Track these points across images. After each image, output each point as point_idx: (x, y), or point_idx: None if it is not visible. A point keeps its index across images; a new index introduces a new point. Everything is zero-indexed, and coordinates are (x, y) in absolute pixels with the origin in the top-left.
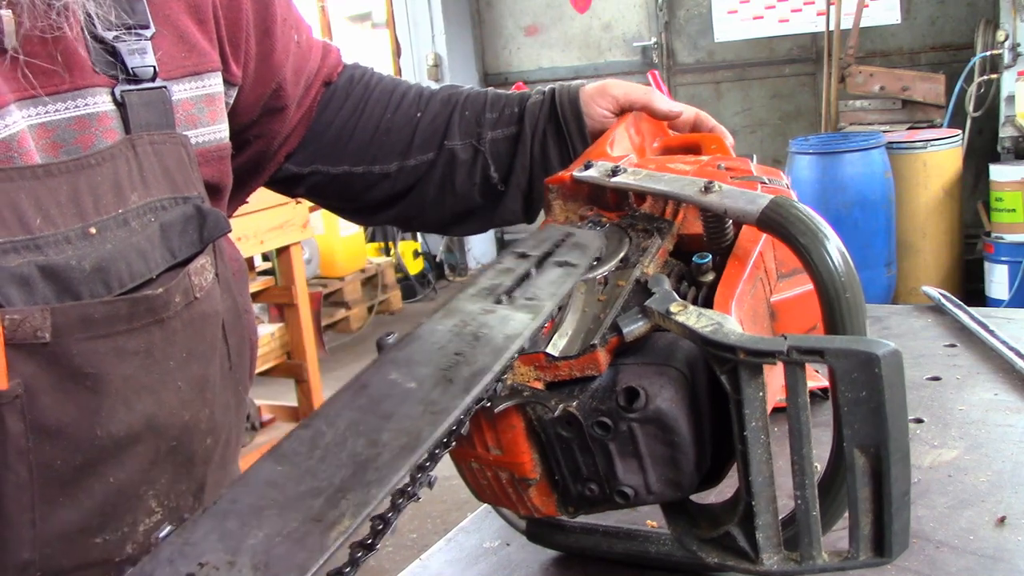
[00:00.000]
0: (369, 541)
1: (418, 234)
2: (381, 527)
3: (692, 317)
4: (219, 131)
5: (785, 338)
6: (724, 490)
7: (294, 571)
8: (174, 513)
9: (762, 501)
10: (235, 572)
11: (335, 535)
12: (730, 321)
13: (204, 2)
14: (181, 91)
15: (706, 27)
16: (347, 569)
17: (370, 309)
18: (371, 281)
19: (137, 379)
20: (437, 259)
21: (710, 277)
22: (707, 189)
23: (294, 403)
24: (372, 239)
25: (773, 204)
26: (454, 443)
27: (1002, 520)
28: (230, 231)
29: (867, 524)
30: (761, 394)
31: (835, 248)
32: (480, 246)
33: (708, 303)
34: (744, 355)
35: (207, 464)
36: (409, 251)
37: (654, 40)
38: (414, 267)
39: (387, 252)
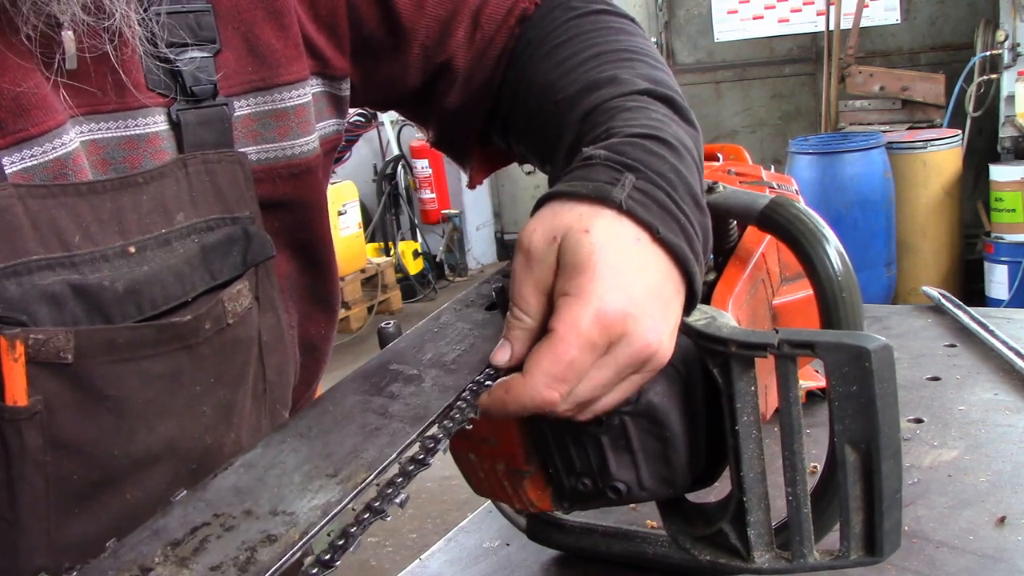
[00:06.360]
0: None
1: (418, 234)
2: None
3: None
4: (292, 147)
5: (777, 331)
6: (723, 488)
7: (317, 511)
8: None
9: (753, 498)
10: (252, 520)
11: (351, 487)
12: (725, 316)
13: (286, 5)
14: (244, 106)
15: (706, 27)
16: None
17: (370, 309)
18: (371, 281)
19: (160, 402)
20: (437, 259)
21: (711, 277)
22: (711, 189)
23: None
24: (372, 239)
25: (773, 204)
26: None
27: (1002, 520)
28: (274, 255)
29: (858, 522)
30: (753, 388)
31: (834, 249)
32: (480, 246)
33: (707, 302)
34: (736, 348)
35: None
36: (409, 251)
37: (654, 40)
38: (414, 267)
39: (387, 252)
